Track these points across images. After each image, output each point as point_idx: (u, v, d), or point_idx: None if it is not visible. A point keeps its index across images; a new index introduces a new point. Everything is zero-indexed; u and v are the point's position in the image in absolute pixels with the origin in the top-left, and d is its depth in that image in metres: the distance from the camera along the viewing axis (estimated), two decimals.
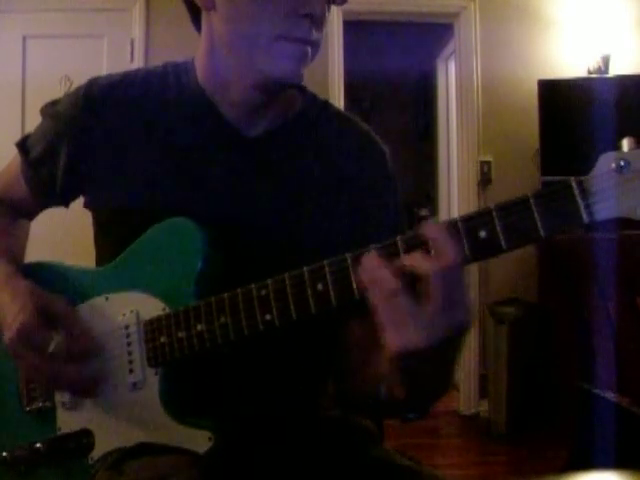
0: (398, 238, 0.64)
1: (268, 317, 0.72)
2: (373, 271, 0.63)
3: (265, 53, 0.81)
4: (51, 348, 0.80)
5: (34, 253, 1.04)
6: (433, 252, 0.61)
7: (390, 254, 0.64)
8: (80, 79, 0.97)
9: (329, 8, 0.84)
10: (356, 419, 0.97)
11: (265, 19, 0.80)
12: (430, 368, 0.67)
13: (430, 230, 0.62)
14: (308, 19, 0.80)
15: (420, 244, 0.63)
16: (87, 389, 0.84)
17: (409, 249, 0.63)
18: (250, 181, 0.88)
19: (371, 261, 0.64)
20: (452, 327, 0.61)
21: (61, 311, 0.84)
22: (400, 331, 0.62)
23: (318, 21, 0.81)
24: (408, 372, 0.68)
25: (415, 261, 0.61)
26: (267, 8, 0.79)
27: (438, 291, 0.60)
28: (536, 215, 0.59)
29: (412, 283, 0.62)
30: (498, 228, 0.60)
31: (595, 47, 3.36)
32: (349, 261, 0.66)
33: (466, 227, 0.61)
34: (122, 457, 0.81)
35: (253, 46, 0.81)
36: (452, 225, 0.62)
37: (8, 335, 0.81)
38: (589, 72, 3.38)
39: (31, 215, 1.06)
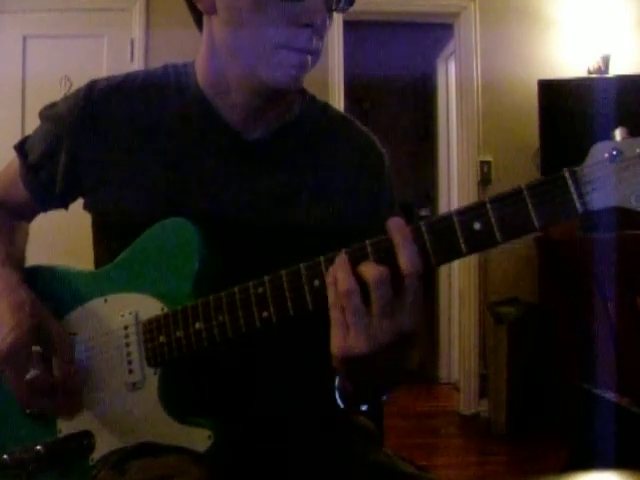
0: (366, 242, 0.66)
1: (265, 314, 0.72)
2: (334, 271, 0.65)
3: (265, 61, 0.81)
4: (27, 377, 0.81)
5: (33, 255, 1.04)
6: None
7: (356, 257, 0.65)
8: (80, 79, 0.97)
9: (330, 16, 0.84)
10: (355, 418, 0.97)
11: (266, 28, 0.79)
12: (373, 371, 0.69)
13: (390, 233, 0.64)
14: (309, 29, 0.80)
15: (387, 249, 0.64)
16: (64, 413, 0.86)
17: (376, 253, 0.65)
18: (249, 183, 0.88)
19: (336, 261, 0.66)
20: (394, 334, 0.63)
21: (55, 337, 0.84)
22: (344, 335, 0.64)
23: (319, 30, 0.81)
24: (352, 373, 0.71)
25: (364, 266, 0.63)
26: (268, 17, 0.79)
27: (378, 298, 0.62)
28: (530, 206, 0.59)
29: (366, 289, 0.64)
30: (492, 220, 0.61)
31: (595, 47, 3.35)
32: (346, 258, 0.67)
33: (461, 220, 0.62)
34: (124, 457, 0.81)
35: (253, 53, 0.81)
36: (414, 231, 0.63)
37: None
38: (589, 72, 3.38)
39: (30, 217, 1.06)
